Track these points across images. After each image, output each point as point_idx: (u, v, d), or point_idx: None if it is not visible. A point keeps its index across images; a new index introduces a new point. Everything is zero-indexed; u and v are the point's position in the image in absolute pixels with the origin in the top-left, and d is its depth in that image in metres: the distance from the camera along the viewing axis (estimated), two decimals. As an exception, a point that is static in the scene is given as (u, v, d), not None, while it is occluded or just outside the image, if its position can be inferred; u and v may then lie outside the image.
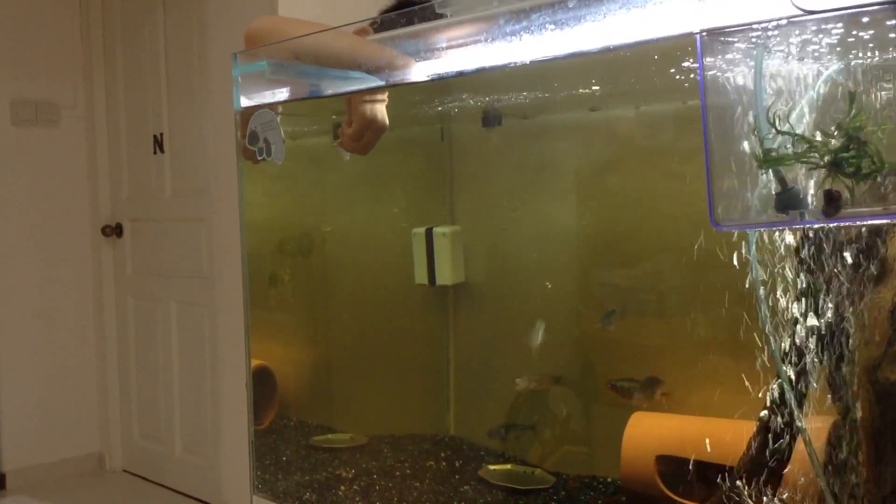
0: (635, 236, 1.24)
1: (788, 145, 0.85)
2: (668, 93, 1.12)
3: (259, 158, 1.27)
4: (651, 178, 1.21)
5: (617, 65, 1.08)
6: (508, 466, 1.39)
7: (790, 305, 0.93)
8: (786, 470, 0.95)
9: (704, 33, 0.84)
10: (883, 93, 0.83)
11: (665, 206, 1.15)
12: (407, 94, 1.42)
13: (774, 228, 0.93)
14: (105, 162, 4.34)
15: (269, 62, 1.26)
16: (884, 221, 0.87)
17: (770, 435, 0.95)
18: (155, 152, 4.10)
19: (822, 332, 0.91)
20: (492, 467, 1.39)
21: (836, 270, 0.90)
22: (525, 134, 1.40)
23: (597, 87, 1.20)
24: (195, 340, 3.91)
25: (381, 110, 1.32)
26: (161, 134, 4.06)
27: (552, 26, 0.96)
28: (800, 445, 0.94)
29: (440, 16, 1.18)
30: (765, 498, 0.95)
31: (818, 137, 0.84)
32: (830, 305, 0.90)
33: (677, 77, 1.00)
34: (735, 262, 0.95)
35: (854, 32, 0.82)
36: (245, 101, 1.32)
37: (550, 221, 1.38)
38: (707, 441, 1.05)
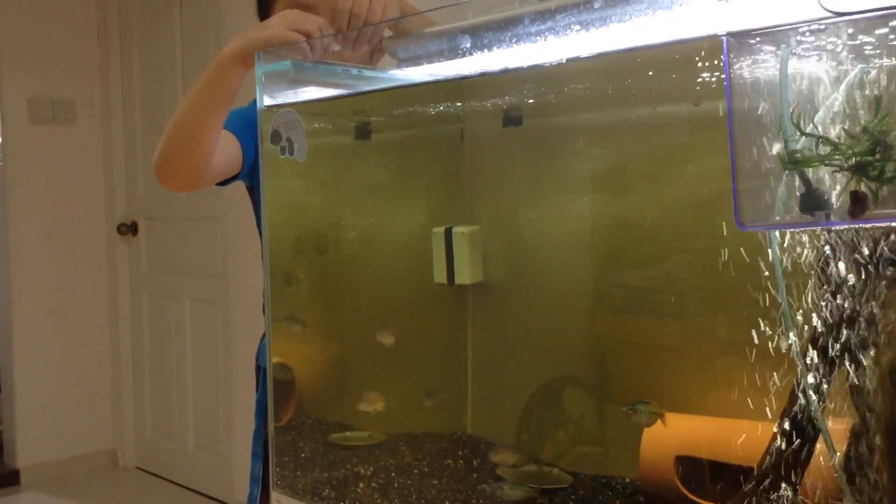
0: (655, 237, 1.24)
1: (814, 147, 0.85)
2: (686, 95, 1.13)
3: (282, 157, 1.28)
4: (674, 181, 1.21)
5: (643, 65, 1.09)
6: (526, 466, 1.40)
7: (812, 306, 0.93)
8: (807, 470, 0.96)
9: (730, 35, 0.84)
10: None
11: (689, 206, 1.15)
12: (427, 94, 1.43)
13: (798, 230, 0.93)
14: (121, 160, 4.36)
15: (293, 62, 1.27)
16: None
17: (791, 434, 0.96)
18: (170, 150, 4.12)
19: (843, 334, 0.91)
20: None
21: (857, 271, 0.90)
22: (546, 134, 1.40)
23: (620, 88, 1.21)
24: (209, 338, 3.93)
25: None
26: (177, 132, 4.08)
27: (577, 27, 0.97)
28: (820, 445, 0.94)
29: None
30: (788, 495, 0.95)
31: (843, 140, 0.84)
32: (852, 307, 0.91)
33: (701, 78, 1.01)
34: (757, 263, 0.96)
35: (882, 34, 0.83)
36: (267, 100, 1.33)
37: (570, 221, 1.38)
38: (728, 441, 1.05)
